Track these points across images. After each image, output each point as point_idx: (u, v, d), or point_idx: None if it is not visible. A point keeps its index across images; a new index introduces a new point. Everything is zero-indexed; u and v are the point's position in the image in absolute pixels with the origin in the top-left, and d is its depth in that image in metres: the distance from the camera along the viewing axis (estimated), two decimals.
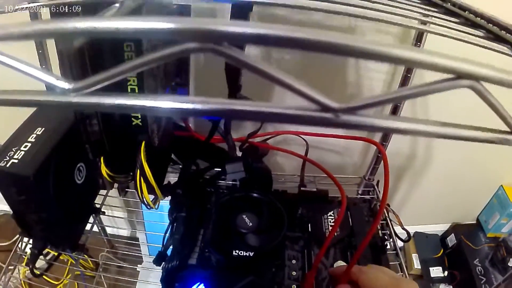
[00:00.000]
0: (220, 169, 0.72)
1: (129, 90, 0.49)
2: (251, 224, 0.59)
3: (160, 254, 0.62)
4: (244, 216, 0.59)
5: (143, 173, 0.51)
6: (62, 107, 0.18)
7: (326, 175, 0.81)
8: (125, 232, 1.36)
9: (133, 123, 0.51)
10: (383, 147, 0.81)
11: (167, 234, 0.64)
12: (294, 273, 0.62)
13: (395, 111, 0.83)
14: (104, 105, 0.18)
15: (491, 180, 1.24)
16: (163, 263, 0.61)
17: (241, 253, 0.56)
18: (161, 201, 0.63)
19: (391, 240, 0.80)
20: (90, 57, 0.43)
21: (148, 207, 0.57)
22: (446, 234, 1.42)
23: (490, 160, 1.13)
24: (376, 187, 0.92)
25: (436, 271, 1.33)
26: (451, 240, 1.38)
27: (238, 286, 0.55)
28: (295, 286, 0.60)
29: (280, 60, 0.83)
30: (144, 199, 0.55)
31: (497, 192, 1.28)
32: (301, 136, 0.79)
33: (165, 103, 0.17)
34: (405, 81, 0.80)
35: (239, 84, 0.56)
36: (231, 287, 0.55)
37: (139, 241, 1.17)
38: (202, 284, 0.55)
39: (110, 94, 0.18)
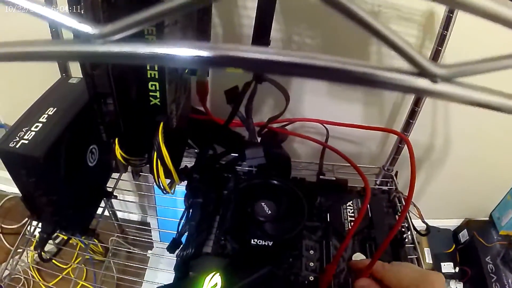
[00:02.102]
0: (237, 155, 0.70)
1: (148, 68, 0.46)
2: (270, 212, 0.56)
3: (174, 241, 0.60)
4: (263, 203, 0.57)
5: (160, 156, 0.49)
6: (86, 58, 0.15)
7: (344, 164, 0.79)
8: (136, 217, 1.35)
9: (151, 103, 0.49)
10: (409, 140, 0.78)
11: (183, 220, 0.61)
12: (311, 264, 0.60)
13: None
14: (140, 56, 0.14)
15: (506, 177, 1.21)
16: (178, 250, 0.59)
17: (259, 242, 0.54)
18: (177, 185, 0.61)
19: (409, 233, 0.77)
20: None
21: (164, 191, 0.55)
22: (458, 229, 1.39)
23: (505, 157, 1.11)
24: (394, 177, 0.90)
25: (447, 267, 1.31)
26: (464, 235, 1.35)
27: (255, 276, 0.53)
28: (312, 278, 0.57)
29: (302, 44, 0.80)
30: (161, 183, 0.52)
31: (511, 190, 1.24)
32: (323, 124, 0.76)
33: (226, 51, 0.14)
34: None
35: (269, 39, 0.53)
36: (248, 277, 0.53)
37: (149, 227, 1.15)
38: (218, 273, 0.53)
39: (144, 41, 0.15)
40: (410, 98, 0.85)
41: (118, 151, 0.55)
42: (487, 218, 1.37)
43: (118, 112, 0.51)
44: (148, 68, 0.46)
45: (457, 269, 1.30)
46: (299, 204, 0.58)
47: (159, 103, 0.49)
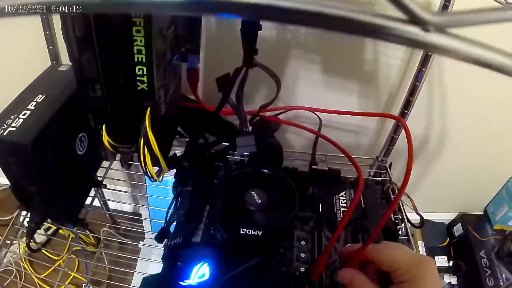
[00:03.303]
0: (228, 144, 0.69)
1: (135, 51, 0.45)
2: (260, 201, 0.55)
3: (162, 231, 0.59)
4: (253, 192, 0.56)
5: (147, 142, 0.48)
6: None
7: (337, 155, 0.78)
8: (128, 208, 1.34)
9: (139, 88, 0.48)
10: (405, 123, 0.77)
11: (171, 210, 0.60)
12: (303, 255, 0.59)
13: None
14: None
15: (501, 171, 1.21)
16: (166, 240, 0.58)
17: (249, 231, 0.53)
18: (166, 174, 0.60)
19: (402, 225, 0.76)
20: None
21: (152, 179, 0.54)
22: (453, 223, 1.39)
23: (501, 151, 1.10)
24: (388, 169, 0.89)
25: (441, 260, 1.31)
26: (458, 229, 1.35)
27: (245, 266, 0.52)
28: (303, 269, 0.56)
29: (296, 32, 0.79)
30: (148, 170, 0.51)
31: (506, 184, 1.24)
32: (315, 112, 0.75)
33: None
34: (425, 61, 0.76)
35: (255, 47, 0.52)
36: (237, 267, 0.52)
37: (141, 217, 1.14)
38: (207, 264, 0.52)
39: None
40: (407, 87, 0.84)
41: (105, 138, 0.54)
42: (482, 213, 1.37)
43: (105, 97, 0.50)
44: (135, 51, 0.45)
45: (451, 263, 1.30)
46: (291, 193, 0.57)
47: (146, 88, 0.48)
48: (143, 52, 0.45)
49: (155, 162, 0.51)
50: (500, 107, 0.96)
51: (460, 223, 1.34)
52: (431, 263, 0.41)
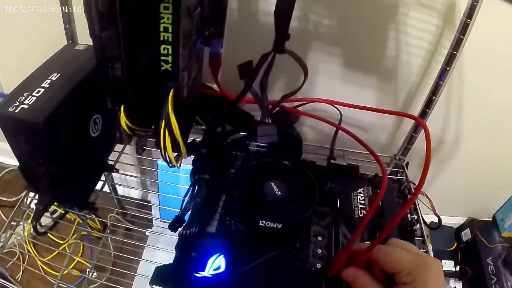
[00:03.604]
0: (245, 134, 0.67)
1: (161, 29, 0.43)
2: (280, 193, 0.54)
3: (177, 219, 0.57)
4: (272, 184, 0.54)
5: (168, 125, 0.46)
6: None
7: (355, 150, 0.76)
8: (136, 194, 1.33)
9: (162, 68, 0.46)
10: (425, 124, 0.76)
11: (187, 198, 0.59)
12: (319, 251, 0.57)
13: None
14: None
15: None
16: (180, 228, 0.56)
17: (268, 224, 0.51)
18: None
19: (418, 225, 0.75)
20: None
21: (171, 164, 0.52)
22: (461, 228, 1.38)
23: None
24: (405, 168, 0.87)
25: (448, 265, 1.30)
26: (466, 234, 1.34)
27: (261, 260, 0.51)
28: (319, 265, 0.55)
29: (319, 24, 0.78)
30: (167, 155, 0.49)
31: None
32: (336, 106, 0.73)
33: None
34: (449, 60, 0.74)
35: (287, 32, 0.50)
36: (254, 260, 0.50)
37: (150, 204, 1.13)
38: (222, 255, 0.50)
39: None
40: (426, 87, 0.83)
41: (123, 120, 0.51)
42: (490, 219, 1.36)
43: (126, 77, 0.48)
44: (161, 30, 0.43)
45: (457, 268, 1.29)
46: (310, 187, 0.56)
47: (170, 69, 0.46)
48: (170, 30, 0.43)
49: (175, 147, 0.49)
50: None
51: (468, 228, 1.33)
52: (435, 264, 0.41)
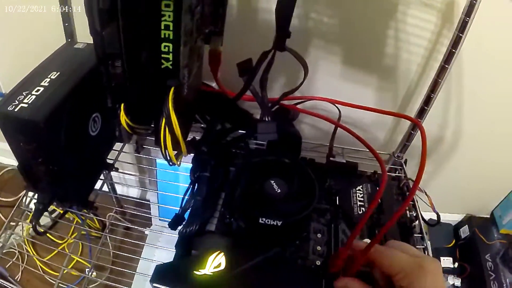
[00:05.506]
0: (244, 132, 0.67)
1: (162, 27, 0.43)
2: (280, 190, 0.54)
3: (177, 217, 0.57)
4: (272, 181, 0.54)
5: (169, 122, 0.46)
6: None
7: (354, 148, 0.77)
8: (135, 193, 1.33)
9: (163, 66, 0.46)
10: (423, 127, 0.76)
11: (187, 196, 0.59)
12: (319, 248, 0.57)
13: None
14: None
15: (510, 175, 1.20)
16: (180, 226, 0.56)
17: (268, 221, 0.51)
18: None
19: (417, 222, 0.75)
20: None
21: (171, 163, 0.52)
22: (459, 225, 1.38)
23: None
24: (404, 165, 0.88)
25: (446, 262, 1.30)
26: (464, 231, 1.34)
27: (262, 257, 0.51)
28: (319, 262, 0.55)
29: (319, 22, 0.78)
30: (167, 153, 0.49)
31: None
32: (336, 104, 0.73)
33: None
34: (448, 58, 0.74)
35: (288, 30, 0.50)
36: (254, 257, 0.50)
37: (148, 202, 1.13)
38: (223, 253, 0.50)
39: None
40: (425, 85, 0.84)
41: (123, 118, 0.52)
42: (488, 216, 1.36)
43: (126, 74, 0.48)
44: (162, 27, 0.43)
45: (456, 265, 1.29)
46: (310, 184, 0.56)
47: (171, 67, 0.46)
48: (171, 28, 0.43)
49: (175, 144, 0.49)
50: None
51: (467, 225, 1.34)
52: (432, 266, 0.39)
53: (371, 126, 0.99)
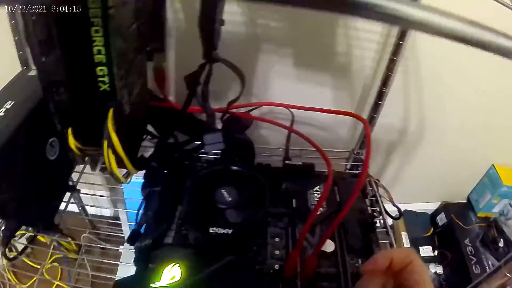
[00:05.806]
0: (200, 143, 0.68)
1: (95, 52, 0.45)
2: (230, 199, 0.55)
3: (133, 233, 0.58)
4: (223, 190, 0.56)
5: (110, 144, 0.47)
6: None
7: (313, 149, 0.78)
8: (108, 212, 1.33)
9: (101, 89, 0.47)
10: (366, 121, 0.77)
11: (141, 211, 0.60)
12: (277, 252, 0.58)
13: None
14: None
15: (482, 159, 1.22)
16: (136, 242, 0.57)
17: (218, 230, 0.52)
18: (138, 176, 0.60)
19: (381, 217, 0.77)
20: None
21: (118, 181, 0.53)
22: (436, 213, 1.40)
23: (481, 140, 1.12)
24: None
25: (426, 250, 1.31)
26: (441, 219, 1.36)
27: (216, 266, 0.52)
28: (277, 266, 0.56)
29: (266, 27, 0.79)
30: (113, 173, 0.51)
31: (488, 171, 1.25)
32: (289, 108, 0.74)
33: None
34: (396, 51, 0.75)
35: (213, 42, 0.52)
36: (209, 267, 0.52)
37: (119, 222, 1.13)
38: (178, 264, 0.51)
39: None
40: (379, 79, 0.84)
41: (72, 142, 0.53)
42: (465, 201, 1.37)
43: (70, 100, 0.49)
44: (95, 52, 0.45)
45: (436, 253, 1.31)
46: (261, 190, 0.57)
47: (108, 89, 0.47)
48: (103, 52, 0.44)
49: (121, 163, 0.50)
50: (478, 96, 0.97)
51: (443, 212, 1.35)
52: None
53: (331, 125, 0.99)
